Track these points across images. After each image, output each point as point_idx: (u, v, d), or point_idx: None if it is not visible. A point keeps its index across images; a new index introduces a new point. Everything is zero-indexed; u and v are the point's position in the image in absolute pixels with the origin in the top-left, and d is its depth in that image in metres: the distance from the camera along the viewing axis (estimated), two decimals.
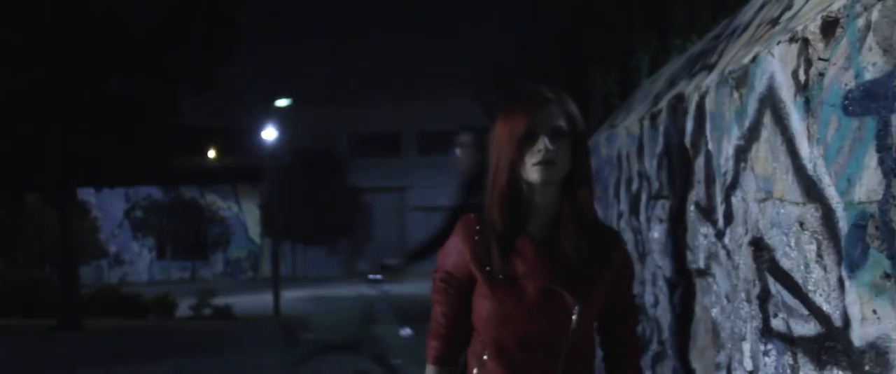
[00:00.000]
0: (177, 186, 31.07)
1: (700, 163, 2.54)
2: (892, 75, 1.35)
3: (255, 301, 21.57)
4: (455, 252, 2.14)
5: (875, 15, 1.41)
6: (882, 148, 1.39)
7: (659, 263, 3.09)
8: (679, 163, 2.79)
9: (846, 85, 1.54)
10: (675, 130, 2.83)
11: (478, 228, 2.11)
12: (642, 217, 3.37)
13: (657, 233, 3.10)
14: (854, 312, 1.52)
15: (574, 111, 2.09)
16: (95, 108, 15.06)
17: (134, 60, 15.46)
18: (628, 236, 3.61)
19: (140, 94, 15.85)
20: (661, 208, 3.06)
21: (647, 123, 3.22)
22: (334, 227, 30.10)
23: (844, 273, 1.56)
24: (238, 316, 18.34)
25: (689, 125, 2.64)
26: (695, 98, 2.58)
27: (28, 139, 14.71)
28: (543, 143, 2.00)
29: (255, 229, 32.24)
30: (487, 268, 2.06)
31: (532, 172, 2.02)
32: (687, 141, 2.68)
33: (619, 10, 17.52)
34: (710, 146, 2.44)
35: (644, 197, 3.33)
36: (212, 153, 32.82)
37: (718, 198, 2.37)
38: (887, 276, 1.39)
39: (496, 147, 2.09)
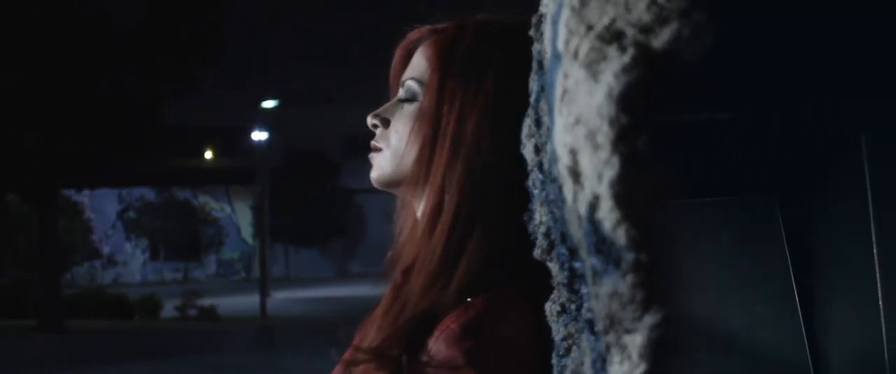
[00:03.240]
0: (170, 187, 31.18)
1: None
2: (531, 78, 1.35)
3: (244, 302, 21.65)
4: None
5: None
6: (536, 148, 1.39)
7: None
8: None
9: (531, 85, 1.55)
10: None
11: None
12: None
13: None
14: None
15: (448, 53, 1.09)
16: (77, 108, 15.13)
17: (117, 61, 15.53)
18: None
19: (122, 95, 15.91)
20: None
21: None
22: (327, 228, 30.17)
23: None
24: (223, 317, 18.40)
25: None
26: None
27: (9, 139, 14.78)
28: (372, 116, 1.17)
29: (247, 231, 32.32)
30: None
31: None
32: None
33: None
34: None
35: None
36: (208, 154, 32.94)
37: None
38: None
39: None
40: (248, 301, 21.75)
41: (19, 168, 15.21)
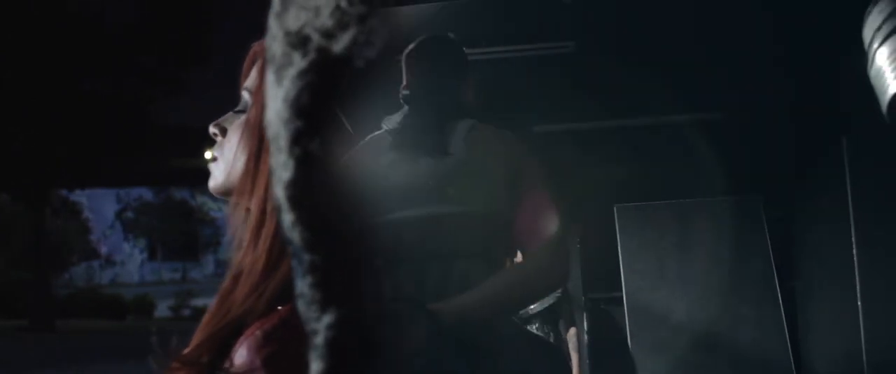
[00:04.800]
0: (168, 187, 31.16)
1: None
2: None
3: None
4: None
5: None
6: None
7: None
8: None
9: None
10: None
11: None
12: None
13: None
14: None
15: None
16: (70, 108, 15.14)
17: (109, 61, 15.54)
18: None
19: (116, 96, 15.92)
20: None
21: None
22: None
23: None
24: None
25: None
26: None
27: (1, 138, 14.80)
28: (213, 125, 1.16)
29: None
30: None
31: None
32: None
33: None
34: None
35: None
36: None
37: None
38: None
39: None
40: None
41: (11, 168, 15.22)
